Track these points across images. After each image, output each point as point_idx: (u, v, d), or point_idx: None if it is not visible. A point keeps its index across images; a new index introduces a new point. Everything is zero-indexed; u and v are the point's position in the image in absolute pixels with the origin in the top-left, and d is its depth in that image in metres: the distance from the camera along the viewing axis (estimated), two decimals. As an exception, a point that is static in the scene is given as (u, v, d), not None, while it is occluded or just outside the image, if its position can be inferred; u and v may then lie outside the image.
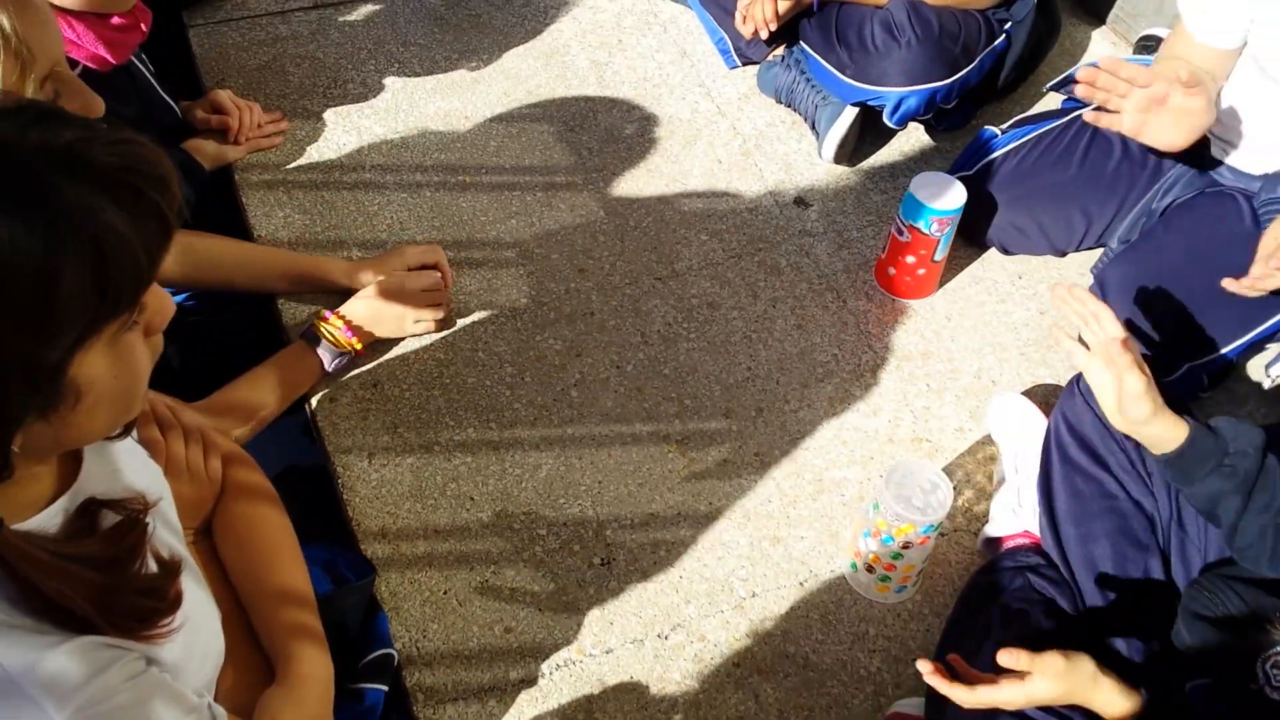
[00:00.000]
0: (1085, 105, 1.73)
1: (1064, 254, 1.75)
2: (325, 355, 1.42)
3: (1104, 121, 1.46)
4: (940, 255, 1.62)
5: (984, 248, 1.76)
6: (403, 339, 1.53)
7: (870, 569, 1.34)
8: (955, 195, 1.55)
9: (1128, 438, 1.28)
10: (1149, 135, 1.43)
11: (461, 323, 1.58)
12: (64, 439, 0.73)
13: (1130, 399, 1.14)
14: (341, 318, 1.43)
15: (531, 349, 1.56)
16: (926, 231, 1.56)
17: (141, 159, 0.68)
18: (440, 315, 1.53)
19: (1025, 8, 1.78)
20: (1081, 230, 1.69)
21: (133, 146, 0.68)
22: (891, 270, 1.65)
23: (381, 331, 1.47)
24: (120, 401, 0.74)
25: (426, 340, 1.55)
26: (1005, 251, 1.75)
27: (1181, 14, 1.50)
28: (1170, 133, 1.42)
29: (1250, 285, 1.35)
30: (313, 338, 1.42)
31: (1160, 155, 1.63)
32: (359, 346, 1.44)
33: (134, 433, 0.94)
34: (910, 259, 1.61)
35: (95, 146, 0.66)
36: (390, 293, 1.46)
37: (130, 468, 0.89)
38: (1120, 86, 1.41)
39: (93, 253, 0.64)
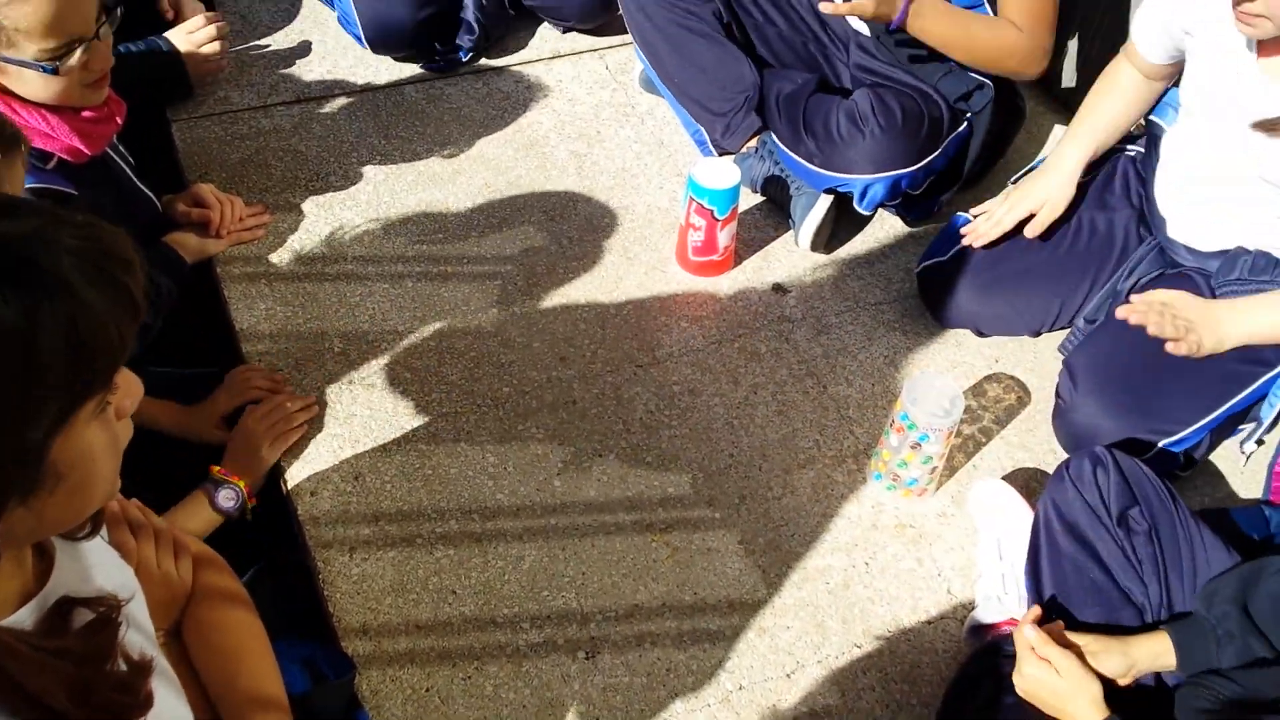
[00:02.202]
0: None
1: (1038, 334, 1.78)
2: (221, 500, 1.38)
3: None
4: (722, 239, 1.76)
5: (959, 331, 1.78)
6: (398, 434, 1.52)
7: (896, 477, 1.52)
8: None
9: (1120, 525, 1.30)
10: None
11: (444, 411, 1.58)
12: (43, 525, 0.74)
13: (1101, 680, 1.16)
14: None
15: (514, 438, 1.56)
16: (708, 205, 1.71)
17: (107, 242, 0.71)
18: (294, 431, 1.49)
19: (983, 99, 1.83)
20: (1055, 311, 1.72)
21: (97, 230, 0.71)
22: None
23: (255, 476, 1.43)
24: (97, 484, 0.74)
25: (408, 430, 1.54)
26: (980, 334, 1.78)
27: (1132, 32, 1.66)
28: None
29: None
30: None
31: (1128, 232, 1.69)
32: (242, 485, 1.40)
33: (105, 533, 0.94)
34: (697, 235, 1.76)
35: (61, 230, 0.69)
36: (240, 443, 1.44)
37: (101, 568, 0.89)
38: None
39: (70, 329, 0.66)
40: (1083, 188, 1.72)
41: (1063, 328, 1.75)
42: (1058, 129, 2.17)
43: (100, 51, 1.36)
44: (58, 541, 0.82)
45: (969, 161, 1.88)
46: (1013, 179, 1.81)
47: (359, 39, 2.08)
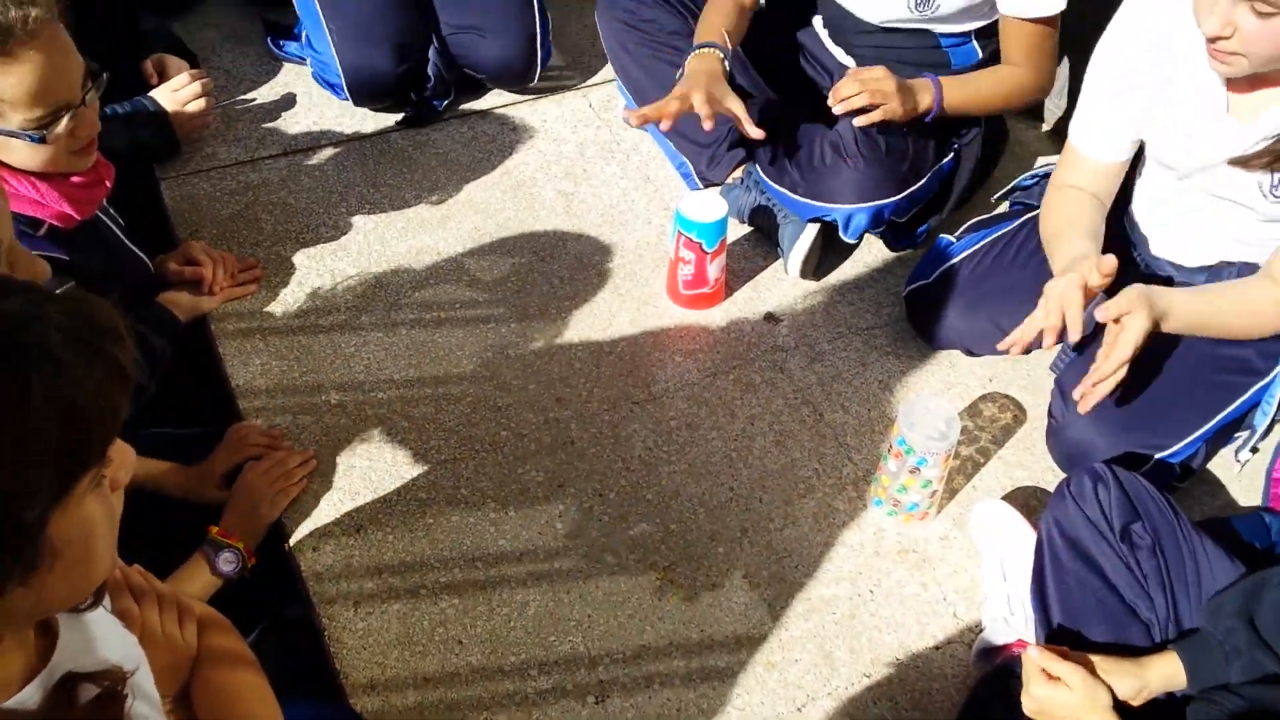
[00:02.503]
0: (1033, 208, 1.79)
1: (1028, 351, 1.78)
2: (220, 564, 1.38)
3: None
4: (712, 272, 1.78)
5: (952, 353, 1.79)
6: (396, 485, 1.53)
7: (896, 503, 1.52)
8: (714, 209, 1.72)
9: (1123, 540, 1.30)
10: None
11: (442, 459, 1.58)
12: (44, 603, 0.73)
13: (1110, 689, 1.16)
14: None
15: (514, 482, 1.56)
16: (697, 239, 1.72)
17: (93, 314, 0.71)
18: (293, 487, 1.50)
19: (971, 132, 1.85)
20: None
21: (81, 303, 0.71)
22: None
23: (255, 534, 1.43)
24: (97, 559, 0.74)
25: (407, 480, 1.55)
26: (970, 354, 1.79)
27: (1070, 135, 1.60)
28: None
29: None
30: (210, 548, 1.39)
31: (1112, 249, 1.69)
32: (241, 546, 1.40)
33: (106, 602, 0.93)
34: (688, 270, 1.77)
35: (48, 306, 0.69)
36: (240, 500, 1.44)
37: (105, 639, 0.88)
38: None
39: (61, 405, 0.66)
40: None
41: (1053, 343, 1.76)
42: (1042, 156, 2.18)
43: (87, 117, 1.36)
44: (60, 614, 0.82)
45: (956, 192, 1.89)
46: (994, 197, 1.82)
47: (338, 90, 2.10)
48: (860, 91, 1.71)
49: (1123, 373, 1.39)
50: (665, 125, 1.68)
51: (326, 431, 1.60)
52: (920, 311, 1.77)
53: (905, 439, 1.45)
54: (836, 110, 1.73)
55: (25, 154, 1.33)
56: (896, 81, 1.72)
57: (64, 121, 1.32)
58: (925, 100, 1.76)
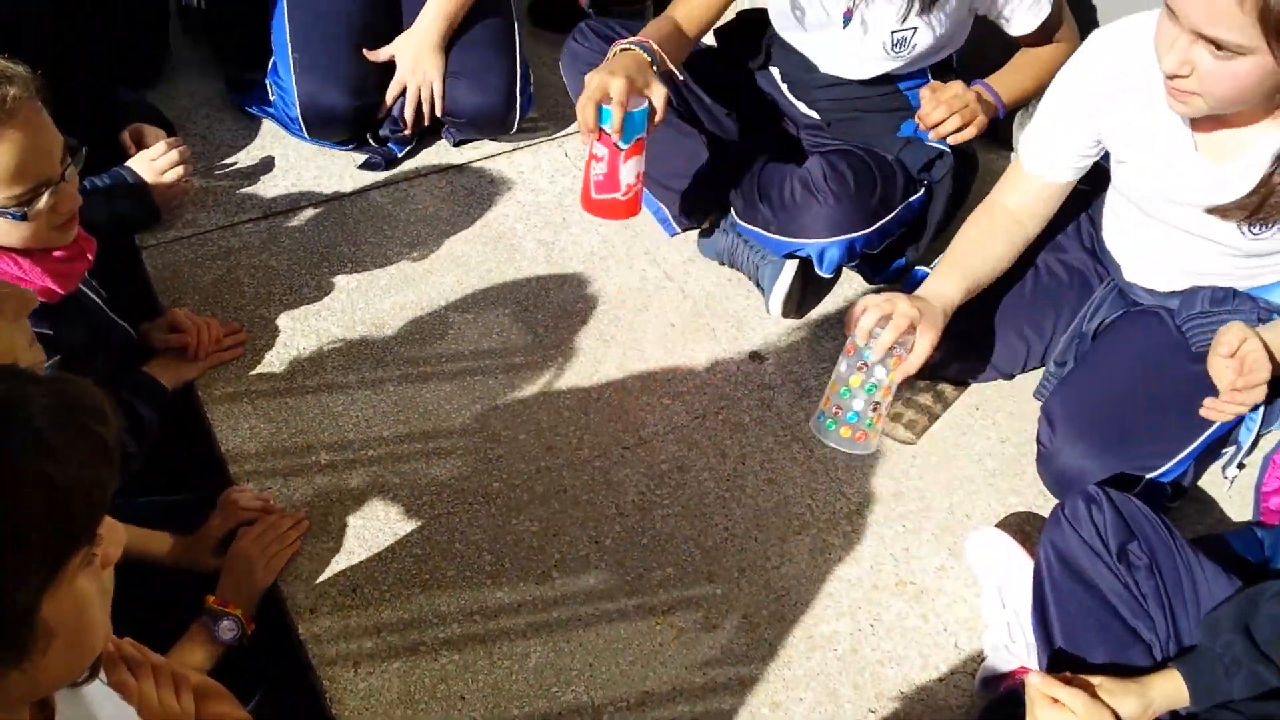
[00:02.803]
0: None
1: (1011, 377, 1.80)
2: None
3: None
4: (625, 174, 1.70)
5: (935, 381, 1.80)
6: (391, 539, 1.52)
7: (839, 410, 1.54)
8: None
9: (1120, 560, 1.31)
10: None
11: (435, 514, 1.57)
12: (40, 684, 0.73)
13: (1114, 711, 1.16)
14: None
15: (508, 533, 1.56)
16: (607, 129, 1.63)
17: (77, 395, 0.71)
18: (287, 550, 1.49)
19: (944, 168, 1.88)
20: (1023, 352, 1.75)
21: (64, 384, 0.72)
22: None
23: (252, 600, 1.42)
24: (91, 637, 0.74)
25: (401, 536, 1.54)
26: (956, 382, 1.80)
27: (1018, 149, 1.63)
28: None
29: (1220, 412, 1.42)
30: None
31: (1085, 273, 1.73)
32: (239, 614, 1.39)
33: (103, 675, 0.93)
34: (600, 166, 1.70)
35: (31, 389, 0.69)
36: (235, 568, 1.43)
37: (104, 712, 0.88)
38: None
39: (50, 488, 0.66)
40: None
41: (1034, 368, 1.78)
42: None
43: (67, 192, 1.37)
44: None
45: (931, 225, 1.92)
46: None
47: (295, 123, 2.13)
48: (951, 114, 1.77)
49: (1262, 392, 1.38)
50: (585, 137, 1.66)
51: (318, 492, 1.59)
52: (903, 341, 1.78)
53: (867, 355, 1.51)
54: (931, 138, 1.77)
55: (7, 231, 1.33)
56: (973, 92, 1.78)
57: (44, 198, 1.32)
58: (990, 105, 1.83)
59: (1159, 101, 1.39)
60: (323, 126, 2.13)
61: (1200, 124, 1.41)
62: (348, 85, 2.09)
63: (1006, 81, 1.87)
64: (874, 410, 1.53)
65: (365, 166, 2.16)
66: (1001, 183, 1.68)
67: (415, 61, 2.10)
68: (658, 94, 1.66)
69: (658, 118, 1.67)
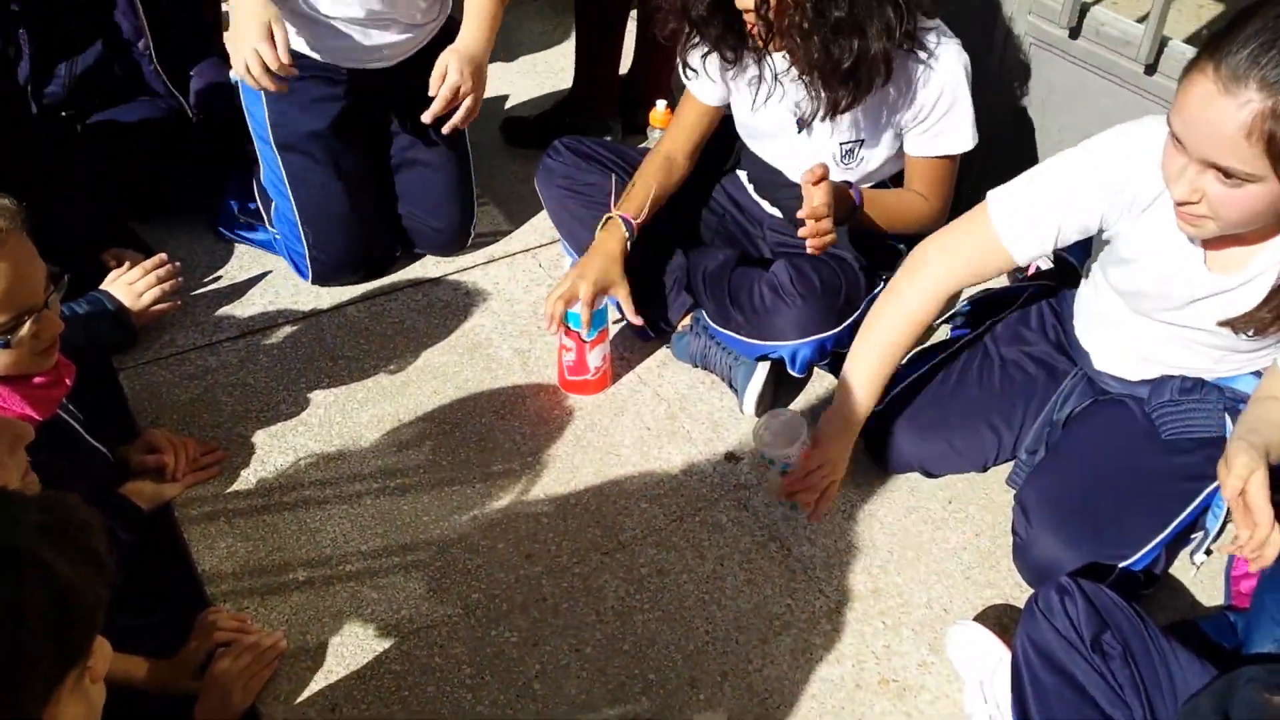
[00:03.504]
0: (970, 332, 1.87)
1: (985, 469, 1.83)
2: None
3: None
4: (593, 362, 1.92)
5: (910, 476, 1.83)
6: (375, 651, 1.51)
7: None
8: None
9: (1095, 650, 1.31)
10: None
11: (414, 628, 1.57)
12: None
13: None
14: None
15: (488, 645, 1.55)
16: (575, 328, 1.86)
17: (70, 511, 0.74)
18: (265, 670, 1.48)
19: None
20: (994, 445, 1.78)
21: (58, 501, 0.74)
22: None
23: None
24: None
25: (380, 652, 1.53)
26: (929, 475, 1.83)
27: (990, 210, 1.55)
28: None
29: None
30: None
31: (1051, 364, 1.76)
32: None
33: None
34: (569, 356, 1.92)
35: (26, 509, 0.71)
36: (212, 691, 1.42)
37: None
38: None
39: (52, 604, 0.68)
40: (1000, 325, 1.81)
41: (1006, 461, 1.81)
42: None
43: (49, 319, 1.39)
44: None
45: None
46: (936, 321, 1.89)
47: (302, 272, 2.21)
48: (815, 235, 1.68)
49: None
50: (551, 330, 1.86)
51: (295, 610, 1.58)
52: (874, 437, 1.81)
53: (766, 454, 1.73)
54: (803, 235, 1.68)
55: None
56: (831, 210, 1.68)
57: (27, 325, 1.34)
58: (849, 201, 1.80)
59: (1164, 216, 1.40)
60: (329, 283, 2.24)
61: (1210, 242, 1.41)
62: (362, 260, 2.22)
63: (872, 198, 1.84)
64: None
65: None
66: (951, 233, 1.62)
67: (477, 71, 1.98)
68: (621, 292, 1.87)
69: (628, 316, 1.90)
